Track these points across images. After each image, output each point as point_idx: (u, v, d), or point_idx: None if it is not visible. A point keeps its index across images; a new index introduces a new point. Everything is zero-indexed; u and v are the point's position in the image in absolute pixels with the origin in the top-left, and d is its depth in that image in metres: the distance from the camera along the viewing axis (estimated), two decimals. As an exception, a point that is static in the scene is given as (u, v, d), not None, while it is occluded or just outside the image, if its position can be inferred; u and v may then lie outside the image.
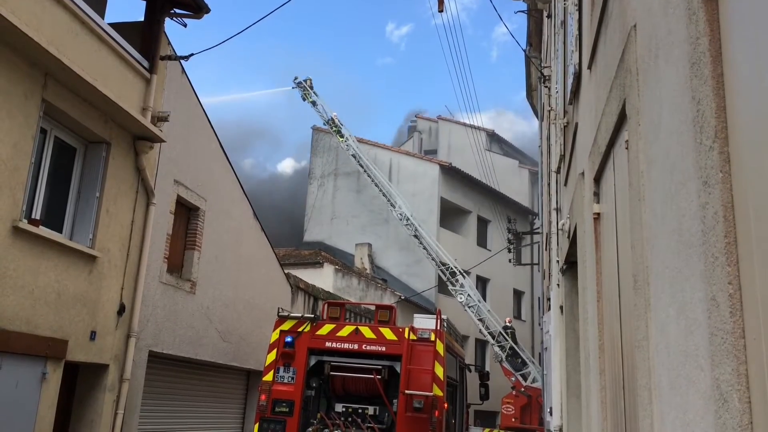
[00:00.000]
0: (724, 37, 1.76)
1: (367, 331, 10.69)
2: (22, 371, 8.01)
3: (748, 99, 1.61)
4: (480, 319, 21.95)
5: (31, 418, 8.16)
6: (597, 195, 4.26)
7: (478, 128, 34.22)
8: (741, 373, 1.55)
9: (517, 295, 33.80)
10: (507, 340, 21.16)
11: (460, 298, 22.51)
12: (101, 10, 10.26)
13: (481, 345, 29.48)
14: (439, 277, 24.70)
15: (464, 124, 35.12)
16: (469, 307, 22.27)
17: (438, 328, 10.65)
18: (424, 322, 11.21)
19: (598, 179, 4.17)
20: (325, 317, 11.18)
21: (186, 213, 12.74)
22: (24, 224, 7.95)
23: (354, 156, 26.14)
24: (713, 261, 1.71)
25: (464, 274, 23.17)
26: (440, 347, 10.42)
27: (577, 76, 5.36)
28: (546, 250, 12.86)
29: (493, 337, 21.52)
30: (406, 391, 9.97)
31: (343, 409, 10.57)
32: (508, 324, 22.07)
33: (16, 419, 7.94)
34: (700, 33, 1.84)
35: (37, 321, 8.27)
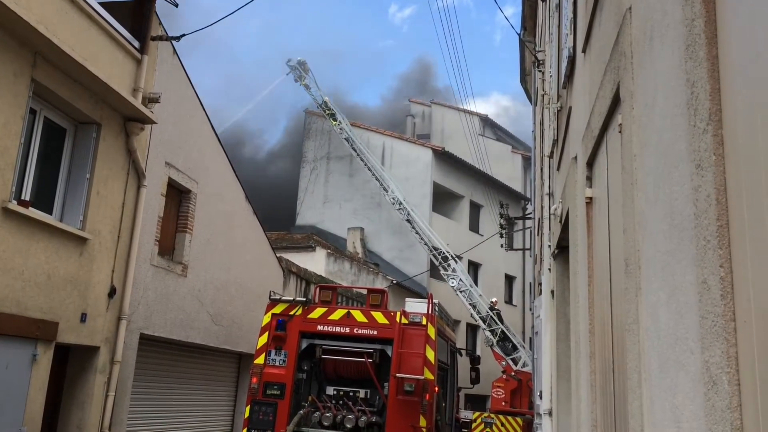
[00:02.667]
0: (720, 19, 1.75)
1: (358, 315, 10.71)
2: (12, 353, 7.98)
3: (742, 81, 1.59)
4: (471, 304, 22.04)
5: (21, 399, 8.16)
6: (590, 179, 4.25)
7: (472, 113, 34.16)
8: (731, 356, 1.55)
9: (509, 279, 33.94)
10: (496, 323, 21.28)
11: (452, 282, 22.58)
12: (91, -11, 10.12)
13: (472, 329, 29.63)
14: (431, 261, 24.76)
15: (457, 109, 35.04)
16: (460, 292, 22.34)
17: (429, 312, 10.68)
18: (416, 306, 11.23)
19: (591, 163, 4.16)
20: (316, 301, 11.19)
21: (177, 195, 12.68)
22: (13, 205, 7.89)
23: (347, 140, 26.06)
24: (705, 244, 1.71)
25: (456, 258, 23.22)
26: (431, 331, 10.46)
27: (572, 60, 5.33)
28: (538, 235, 12.89)
29: (485, 322, 21.62)
30: (398, 375, 10.01)
31: (335, 392, 10.62)
32: (493, 305, 22.18)
33: (7, 401, 7.93)
34: (695, 14, 1.82)
35: (27, 303, 8.24)
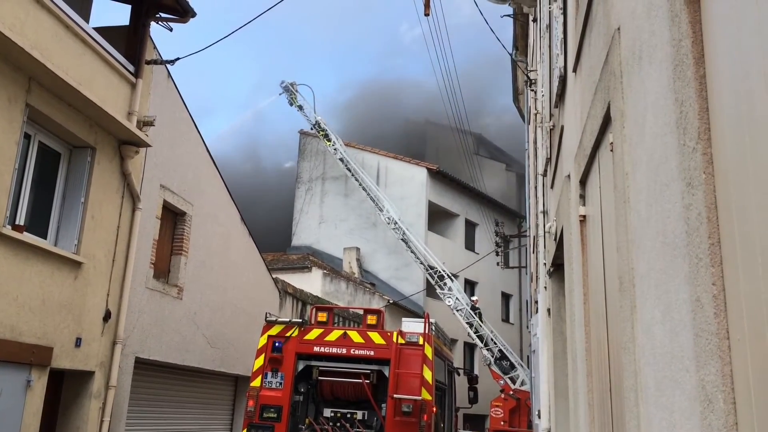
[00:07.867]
0: (707, 39, 1.77)
1: (355, 336, 10.66)
2: (6, 379, 7.91)
3: (730, 100, 1.61)
4: (468, 323, 21.97)
5: (15, 426, 8.07)
6: (583, 197, 4.27)
7: (466, 132, 34.31)
8: (726, 374, 1.55)
9: (505, 298, 33.87)
10: (475, 319, 21.32)
11: (449, 301, 22.52)
12: (86, 14, 10.19)
13: (469, 348, 29.50)
14: (428, 280, 24.70)
15: (452, 128, 35.20)
16: (457, 311, 22.28)
17: (426, 331, 10.64)
18: (413, 326, 11.20)
19: (583, 182, 4.18)
20: (313, 322, 11.15)
21: (172, 218, 12.67)
22: (8, 230, 7.87)
23: (341, 160, 26.12)
24: (697, 262, 1.71)
25: (452, 277, 23.18)
26: (429, 351, 10.41)
27: (563, 80, 5.38)
28: (533, 252, 12.90)
29: (482, 340, 21.55)
30: (395, 395, 9.95)
31: (332, 414, 10.54)
32: (474, 303, 22.18)
33: (1, 428, 7.85)
34: (682, 35, 1.84)
35: (22, 328, 8.18)
